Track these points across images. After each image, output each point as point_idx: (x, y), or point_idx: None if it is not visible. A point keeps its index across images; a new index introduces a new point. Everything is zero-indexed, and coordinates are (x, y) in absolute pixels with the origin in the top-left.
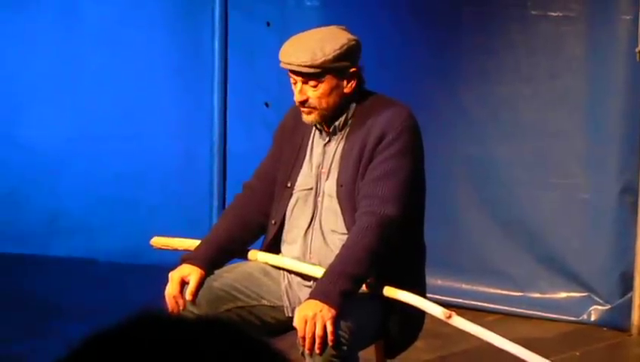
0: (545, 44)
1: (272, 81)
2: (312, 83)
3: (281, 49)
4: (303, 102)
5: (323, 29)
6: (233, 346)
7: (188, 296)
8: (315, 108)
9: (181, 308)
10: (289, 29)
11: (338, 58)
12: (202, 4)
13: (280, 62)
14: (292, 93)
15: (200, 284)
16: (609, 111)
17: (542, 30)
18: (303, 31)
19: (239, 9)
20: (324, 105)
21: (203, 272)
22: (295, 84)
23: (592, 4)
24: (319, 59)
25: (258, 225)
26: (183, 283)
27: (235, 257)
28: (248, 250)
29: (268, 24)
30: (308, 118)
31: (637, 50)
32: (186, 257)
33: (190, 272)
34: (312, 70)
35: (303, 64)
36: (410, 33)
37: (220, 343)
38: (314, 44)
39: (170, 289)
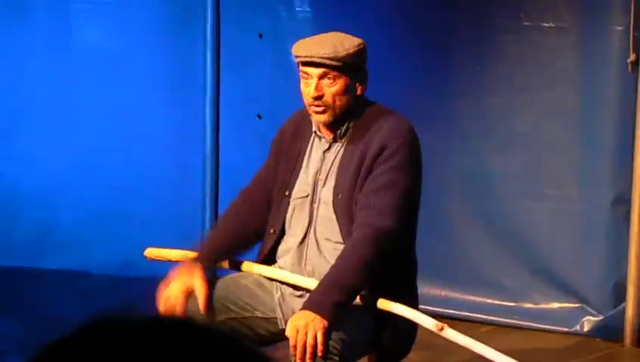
0: (538, 56)
1: (265, 93)
2: (329, 77)
3: (296, 46)
4: (318, 98)
5: (332, 33)
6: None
7: (203, 310)
8: (328, 106)
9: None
10: (281, 41)
11: (357, 54)
12: (194, 17)
13: (296, 57)
14: (285, 105)
15: (209, 297)
16: (601, 122)
17: (535, 41)
18: (295, 42)
19: (231, 21)
20: (337, 102)
21: (208, 285)
22: (308, 79)
23: (584, 15)
24: (341, 52)
25: (255, 232)
26: (188, 295)
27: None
28: (242, 262)
29: (260, 36)
30: (320, 117)
31: (629, 60)
32: (184, 267)
33: (194, 283)
34: (334, 63)
35: (325, 56)
36: (404, 44)
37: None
38: (333, 40)
39: (174, 299)
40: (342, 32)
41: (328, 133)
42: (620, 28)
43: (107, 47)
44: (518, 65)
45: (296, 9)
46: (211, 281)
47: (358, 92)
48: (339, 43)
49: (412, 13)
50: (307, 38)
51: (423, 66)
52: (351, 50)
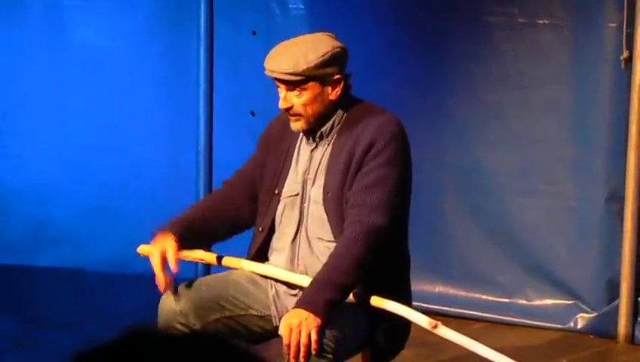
0: (532, 52)
1: (258, 90)
2: (296, 90)
3: (267, 56)
4: (288, 109)
5: (310, 35)
6: (222, 360)
7: (173, 268)
8: (300, 115)
9: (169, 284)
10: (275, 38)
11: (321, 65)
12: (188, 14)
13: (265, 69)
14: (278, 102)
15: (177, 253)
16: (595, 119)
17: (528, 38)
18: (288, 39)
19: (225, 18)
20: (309, 112)
21: (176, 242)
22: (279, 89)
23: (577, 11)
24: (302, 66)
25: (229, 218)
26: (163, 257)
27: (203, 242)
28: (235, 259)
29: (254, 33)
30: (295, 125)
31: (622, 57)
32: (157, 232)
33: (165, 247)
34: (294, 78)
35: (284, 72)
36: (398, 40)
37: (210, 358)
38: (297, 52)
39: (157, 269)
40: (334, 29)
41: (313, 132)
42: (613, 25)
43: (101, 44)
44: (512, 62)
45: (290, 6)
46: (182, 239)
47: (332, 97)
48: (302, 55)
49: (406, 10)
50: (277, 47)
51: (417, 63)
52: (312, 63)
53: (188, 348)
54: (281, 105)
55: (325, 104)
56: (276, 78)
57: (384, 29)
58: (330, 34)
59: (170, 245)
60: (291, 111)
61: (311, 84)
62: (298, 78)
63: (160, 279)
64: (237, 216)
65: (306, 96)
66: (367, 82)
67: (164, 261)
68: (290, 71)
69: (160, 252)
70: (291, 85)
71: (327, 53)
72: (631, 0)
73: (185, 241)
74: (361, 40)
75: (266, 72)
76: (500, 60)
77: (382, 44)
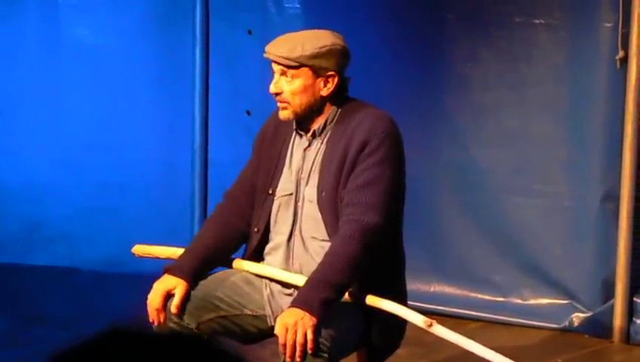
0: (528, 52)
1: (254, 89)
2: (288, 75)
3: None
4: (277, 94)
5: (318, 30)
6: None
7: (173, 309)
8: (288, 103)
9: (162, 321)
10: (270, 37)
11: (316, 56)
12: (183, 13)
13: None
14: (273, 101)
15: (185, 298)
16: (591, 119)
17: (525, 37)
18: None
19: (220, 17)
20: (297, 101)
21: (188, 285)
22: (274, 75)
23: (573, 11)
24: (297, 53)
25: (241, 233)
26: (167, 295)
27: (218, 266)
28: (233, 259)
29: (249, 32)
30: (282, 113)
31: (617, 57)
32: (169, 267)
33: (175, 285)
34: (287, 62)
35: (279, 54)
36: (394, 40)
37: (187, 357)
38: (297, 40)
39: (154, 302)
40: (330, 28)
41: (306, 130)
42: (608, 24)
43: (96, 43)
44: (509, 62)
45: (285, 5)
46: (193, 285)
47: (324, 92)
48: (300, 43)
49: (402, 9)
50: (283, 35)
51: (413, 62)
52: (307, 52)
53: (164, 348)
54: (272, 89)
55: (315, 97)
56: (272, 62)
57: (380, 27)
58: (339, 34)
59: (179, 291)
60: (280, 98)
61: (303, 72)
62: (291, 63)
63: (153, 316)
64: (246, 226)
65: (296, 84)
66: (363, 81)
67: (166, 298)
68: (285, 55)
69: (165, 292)
70: (284, 70)
71: (325, 46)
72: (626, 0)
73: (199, 280)
74: (356, 39)
75: (264, 54)
76: (496, 60)
77: (378, 43)
